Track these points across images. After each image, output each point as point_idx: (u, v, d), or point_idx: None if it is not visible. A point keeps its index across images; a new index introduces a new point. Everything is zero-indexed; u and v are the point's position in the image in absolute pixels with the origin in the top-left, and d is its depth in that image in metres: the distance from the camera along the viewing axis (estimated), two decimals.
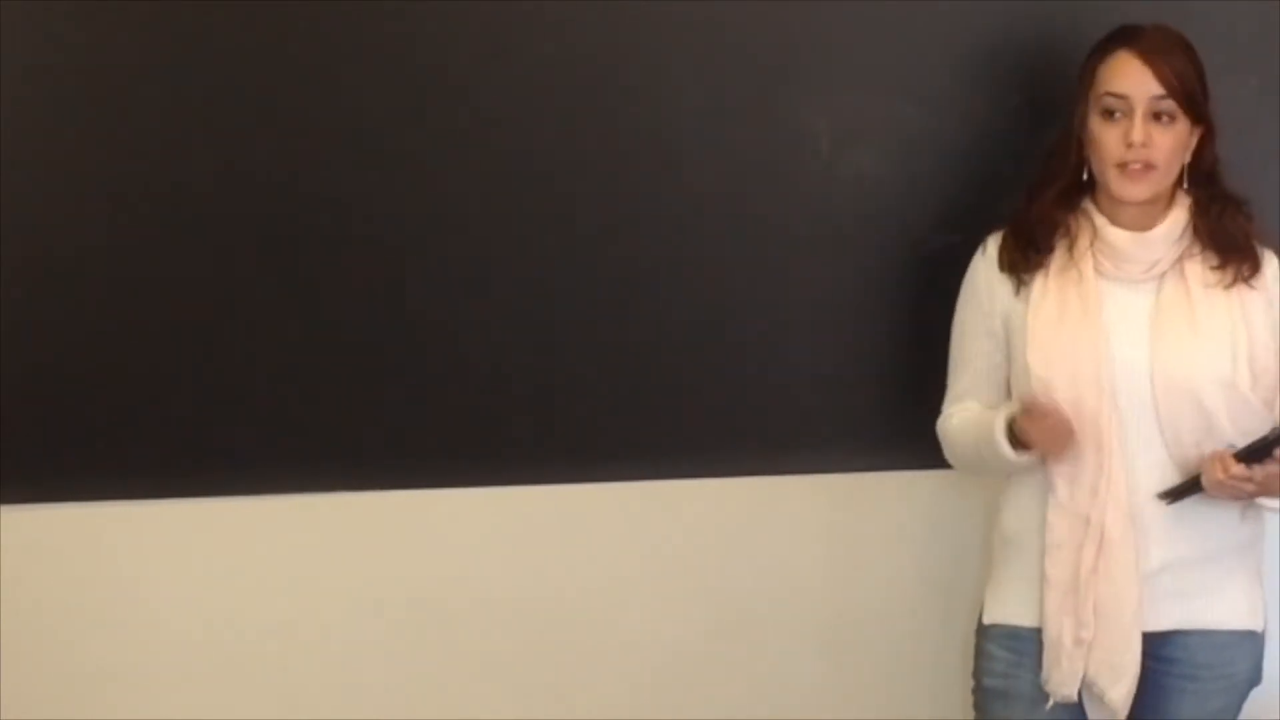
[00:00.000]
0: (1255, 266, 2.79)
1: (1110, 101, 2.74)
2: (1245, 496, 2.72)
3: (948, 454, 2.93)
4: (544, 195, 3.04)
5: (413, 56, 2.99)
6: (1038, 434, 2.71)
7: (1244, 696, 2.85)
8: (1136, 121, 2.72)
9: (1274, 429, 2.70)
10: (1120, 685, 2.76)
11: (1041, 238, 2.80)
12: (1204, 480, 2.71)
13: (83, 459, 3.02)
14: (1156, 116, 2.73)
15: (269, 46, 2.98)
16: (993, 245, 2.86)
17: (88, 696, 3.03)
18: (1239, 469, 2.68)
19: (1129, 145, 2.72)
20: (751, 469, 3.12)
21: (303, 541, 3.08)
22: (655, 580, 3.13)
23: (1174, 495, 2.75)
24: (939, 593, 3.16)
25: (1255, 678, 2.85)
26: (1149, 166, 2.74)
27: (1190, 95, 2.73)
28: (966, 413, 2.88)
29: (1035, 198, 2.82)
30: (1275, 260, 2.83)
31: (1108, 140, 2.75)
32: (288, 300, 3.02)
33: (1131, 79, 2.73)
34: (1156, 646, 2.79)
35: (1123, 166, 2.74)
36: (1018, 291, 2.81)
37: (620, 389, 3.09)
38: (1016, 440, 2.74)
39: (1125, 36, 2.76)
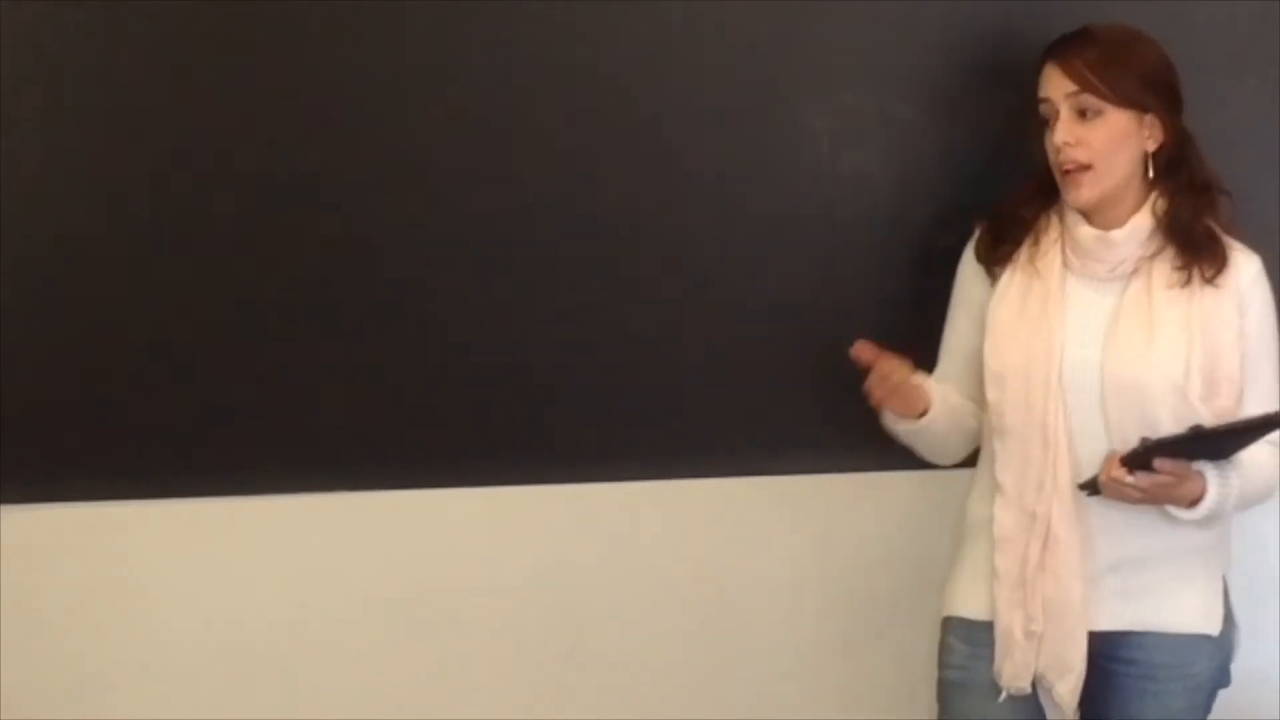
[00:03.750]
0: (1218, 266, 2.76)
1: (1042, 108, 2.77)
2: (1131, 501, 2.70)
3: None
4: (543, 195, 3.04)
5: (414, 56, 2.99)
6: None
7: (1211, 697, 2.84)
8: (1061, 123, 2.74)
9: (1143, 440, 2.67)
10: (1066, 680, 2.76)
11: (1009, 232, 2.83)
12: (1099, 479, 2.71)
13: (83, 459, 3.01)
14: (1082, 114, 2.74)
15: (272, 46, 2.98)
16: (979, 231, 2.90)
17: (88, 696, 3.03)
18: (1118, 472, 2.66)
19: (1056, 145, 2.75)
20: (750, 469, 3.12)
21: (303, 541, 3.08)
22: (654, 579, 3.13)
23: (1091, 487, 2.73)
24: (925, 590, 3.15)
25: (1221, 680, 2.83)
26: (1084, 167, 2.74)
27: (1111, 85, 2.73)
28: None
29: (1024, 193, 2.85)
30: (1257, 261, 2.80)
31: (1047, 147, 2.78)
32: (288, 300, 3.02)
33: (1050, 82, 2.76)
34: (1114, 647, 2.79)
35: (1064, 171, 2.76)
36: (992, 283, 2.84)
37: (620, 389, 3.09)
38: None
39: (1049, 48, 2.79)
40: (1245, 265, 2.78)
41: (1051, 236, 2.80)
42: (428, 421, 3.06)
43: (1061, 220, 2.81)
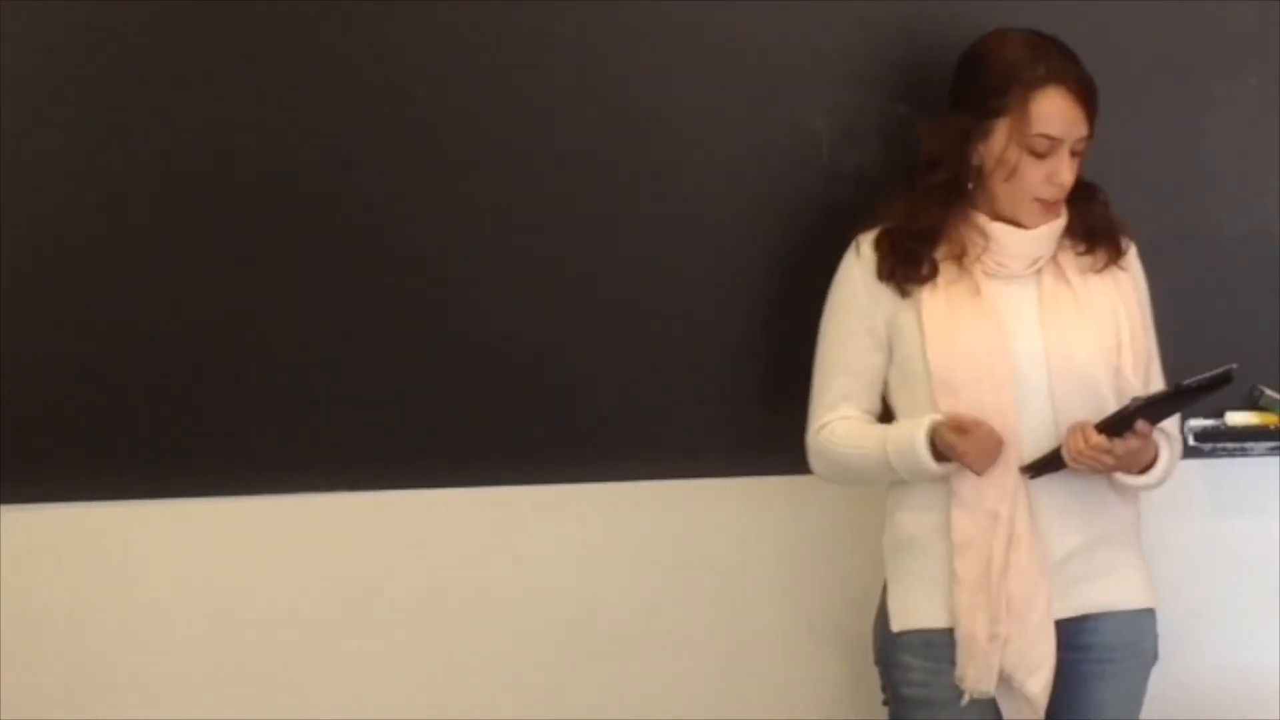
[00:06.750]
0: (1120, 248, 2.83)
1: (1042, 143, 2.74)
2: (1103, 470, 2.71)
3: (822, 462, 2.87)
4: (545, 196, 3.05)
5: (414, 56, 3.01)
6: (969, 448, 2.70)
7: (1148, 675, 2.85)
8: (1064, 161, 2.74)
9: (1134, 400, 2.69)
10: (1038, 677, 2.75)
11: (916, 247, 2.79)
12: (1064, 452, 2.70)
13: (83, 459, 3.02)
14: (1074, 151, 2.76)
15: (274, 47, 2.99)
16: (867, 248, 2.83)
17: (88, 696, 3.04)
18: (1099, 439, 2.67)
19: (1055, 184, 2.75)
20: (748, 469, 3.12)
21: (303, 541, 3.08)
22: (652, 579, 3.13)
23: (1036, 469, 2.73)
24: None
25: (1156, 654, 2.85)
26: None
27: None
28: (850, 422, 2.84)
29: (919, 205, 2.80)
30: (1132, 242, 2.86)
31: (1032, 176, 2.75)
32: (288, 300, 3.03)
33: (1066, 122, 2.74)
34: (1068, 635, 2.78)
35: (1041, 201, 2.76)
36: (903, 296, 2.80)
37: (622, 389, 3.09)
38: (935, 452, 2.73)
39: (1052, 69, 2.74)
40: (1131, 245, 2.86)
41: (978, 244, 2.79)
42: (428, 421, 3.07)
43: (975, 225, 2.80)
